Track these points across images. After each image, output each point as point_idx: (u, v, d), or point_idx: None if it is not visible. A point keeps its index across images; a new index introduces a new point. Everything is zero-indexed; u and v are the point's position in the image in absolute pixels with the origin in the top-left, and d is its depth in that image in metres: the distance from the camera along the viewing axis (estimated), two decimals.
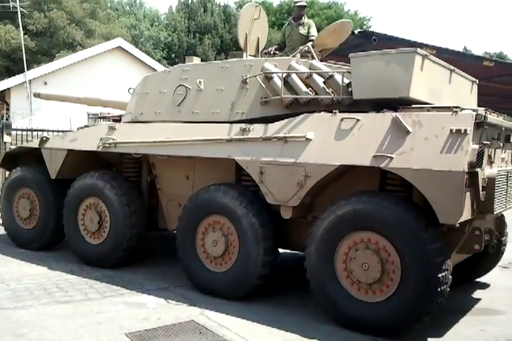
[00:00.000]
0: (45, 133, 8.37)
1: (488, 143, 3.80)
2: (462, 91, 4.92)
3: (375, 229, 3.88)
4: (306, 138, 4.22)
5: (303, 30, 5.85)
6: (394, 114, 3.88)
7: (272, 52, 5.92)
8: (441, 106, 3.95)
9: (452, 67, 4.63)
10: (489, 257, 5.19)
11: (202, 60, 5.67)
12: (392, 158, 3.78)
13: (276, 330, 4.02)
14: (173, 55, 38.42)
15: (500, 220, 4.76)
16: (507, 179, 4.13)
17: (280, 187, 4.33)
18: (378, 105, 4.23)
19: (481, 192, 3.75)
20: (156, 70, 21.83)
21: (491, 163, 3.96)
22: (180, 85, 5.37)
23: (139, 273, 5.50)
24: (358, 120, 4.05)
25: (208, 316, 4.27)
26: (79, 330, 3.88)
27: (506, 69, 13.67)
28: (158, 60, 29.12)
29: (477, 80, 5.22)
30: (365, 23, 40.61)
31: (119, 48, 21.16)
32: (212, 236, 4.77)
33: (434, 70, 4.30)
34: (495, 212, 3.86)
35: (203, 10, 37.73)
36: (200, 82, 5.19)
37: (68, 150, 5.89)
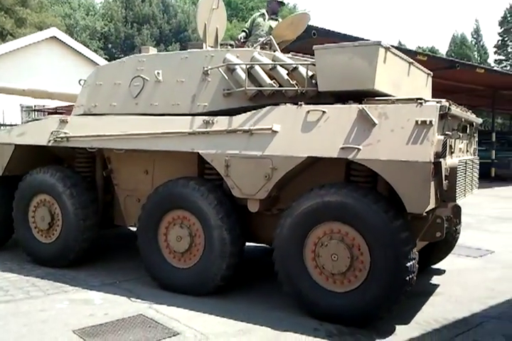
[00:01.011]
0: None
1: (450, 133, 3.93)
2: (419, 84, 5.07)
3: (345, 220, 3.93)
4: (273, 131, 4.20)
5: (273, 25, 5.83)
6: (360, 106, 3.93)
7: (241, 40, 5.85)
8: (404, 98, 4.03)
9: (411, 60, 4.75)
10: (444, 245, 5.41)
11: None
12: (359, 149, 3.83)
13: (227, 320, 4.04)
14: (109, 46, 37.26)
15: (457, 208, 4.96)
16: (465, 168, 4.29)
17: (247, 180, 4.29)
18: (342, 97, 4.27)
19: (444, 182, 3.88)
20: (92, 61, 21.16)
21: (451, 153, 4.11)
22: (136, 76, 5.18)
23: (82, 270, 5.36)
24: (324, 112, 4.07)
25: (156, 309, 4.24)
26: (22, 329, 3.78)
27: (439, 63, 14.23)
28: (95, 51, 28.16)
29: (431, 73, 5.39)
30: None
31: (54, 38, 20.30)
32: (177, 232, 4.67)
33: (395, 63, 4.39)
34: (457, 200, 4.01)
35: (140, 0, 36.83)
36: (158, 73, 5.03)
37: (16, 145, 5.56)
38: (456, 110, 4.06)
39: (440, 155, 3.67)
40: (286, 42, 5.70)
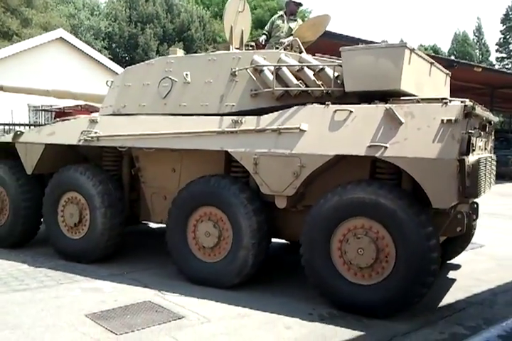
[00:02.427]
0: None
1: (473, 132, 4.10)
2: (439, 83, 5.24)
3: (371, 216, 4.10)
4: (301, 130, 4.37)
5: (293, 26, 6.00)
6: (387, 106, 4.10)
7: (263, 42, 6.03)
8: (429, 97, 4.21)
9: (431, 60, 4.92)
10: (462, 240, 5.58)
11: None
12: (386, 147, 4.00)
13: (228, 306, 4.32)
14: (114, 45, 37.40)
15: (475, 204, 5.13)
16: (485, 165, 4.47)
17: (275, 177, 4.46)
18: (367, 97, 4.45)
19: (466, 178, 4.05)
20: (98, 61, 21.37)
21: (473, 150, 4.28)
22: (165, 77, 5.36)
23: (92, 262, 5.56)
24: (351, 111, 4.24)
25: (163, 297, 4.52)
26: (40, 314, 4.06)
27: (437, 62, 14.34)
28: (99, 51, 28.31)
29: (450, 73, 5.56)
30: (306, 15, 41.22)
31: (61, 39, 20.48)
32: (205, 228, 4.85)
33: (418, 63, 4.57)
34: (478, 197, 4.19)
35: None
36: (186, 74, 5.20)
37: (46, 144, 5.74)
38: (479, 109, 4.23)
39: (464, 152, 3.84)
40: (307, 44, 5.87)
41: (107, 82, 5.99)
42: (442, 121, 3.87)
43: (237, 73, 4.99)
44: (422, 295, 4.06)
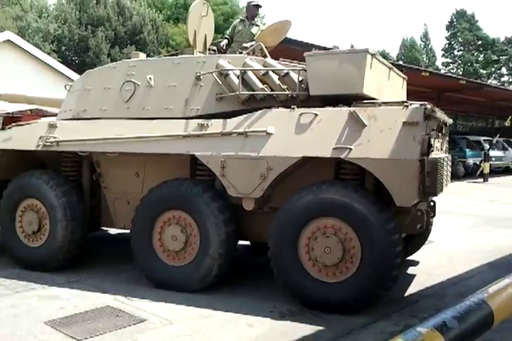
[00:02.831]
0: None
1: (432, 133, 4.29)
2: (397, 87, 5.44)
3: (337, 215, 4.21)
4: (267, 133, 4.43)
5: (254, 31, 6.05)
6: (351, 109, 4.23)
7: (224, 47, 6.05)
8: (390, 101, 4.37)
9: (390, 65, 5.11)
10: (420, 237, 5.80)
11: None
12: (351, 149, 4.13)
13: (190, 307, 4.35)
14: (63, 48, 36.41)
15: (433, 202, 5.35)
16: (442, 165, 4.67)
17: (243, 180, 4.50)
18: (331, 101, 4.56)
19: (426, 178, 4.23)
20: (47, 64, 20.76)
21: (431, 151, 4.47)
22: (127, 81, 5.30)
23: (49, 271, 5.43)
24: (316, 115, 4.35)
25: (122, 301, 4.51)
26: None
27: None
28: (48, 53, 27.50)
29: (406, 77, 5.78)
30: (260, 21, 41.53)
31: (8, 42, 19.78)
32: (172, 231, 4.82)
33: (379, 68, 4.73)
34: (437, 195, 4.38)
35: (95, 1, 36.20)
36: (150, 78, 5.17)
37: (1, 150, 5.55)
38: (436, 112, 4.43)
39: (425, 153, 4.01)
40: (269, 48, 5.93)
41: (66, 85, 5.86)
42: (404, 123, 4.03)
43: (202, 77, 5.00)
44: (388, 289, 4.20)
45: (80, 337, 3.68)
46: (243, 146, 4.51)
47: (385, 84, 5.00)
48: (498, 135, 22.23)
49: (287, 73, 4.76)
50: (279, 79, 4.82)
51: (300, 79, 4.71)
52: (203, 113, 4.98)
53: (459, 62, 53.33)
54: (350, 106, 4.37)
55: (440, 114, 4.65)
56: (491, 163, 20.21)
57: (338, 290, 4.21)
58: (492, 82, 48.80)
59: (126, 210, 5.51)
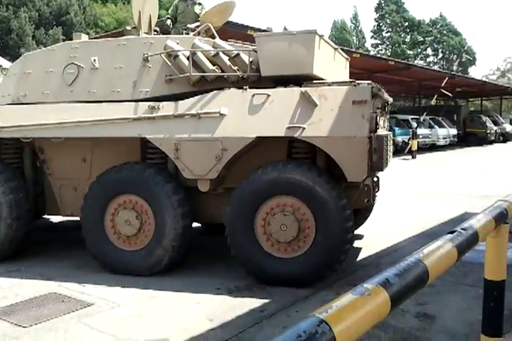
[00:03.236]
0: None
1: (378, 111, 4.48)
2: (341, 67, 5.60)
3: (292, 194, 4.33)
4: (220, 114, 4.46)
5: (198, 10, 5.95)
6: (302, 89, 4.33)
7: (171, 27, 5.93)
8: (339, 81, 4.51)
9: (336, 46, 5.24)
10: (366, 210, 6.07)
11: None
12: (304, 128, 4.24)
13: (136, 290, 4.37)
14: None
15: (377, 178, 5.61)
16: (387, 142, 4.91)
17: (197, 161, 4.52)
18: (282, 81, 4.64)
19: (373, 154, 4.43)
20: None
21: (377, 128, 4.67)
22: (70, 64, 5.10)
23: None
24: (268, 95, 4.41)
25: (67, 287, 4.47)
26: None
27: None
28: None
29: (349, 57, 5.95)
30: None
31: None
32: (125, 216, 4.77)
33: (326, 49, 4.85)
34: (383, 170, 4.60)
35: None
36: (94, 60, 5.01)
37: None
38: (381, 91, 4.62)
39: (373, 130, 4.20)
40: (209, 31, 5.90)
41: (2, 70, 5.55)
42: (353, 102, 4.18)
43: (149, 58, 4.91)
44: (341, 262, 4.40)
45: (27, 324, 3.63)
46: (197, 128, 4.51)
47: (332, 65, 5.14)
48: (425, 113, 23.32)
49: (238, 54, 4.77)
50: (229, 60, 4.82)
51: (250, 60, 4.74)
52: (152, 95, 4.90)
53: (387, 43, 55.13)
54: (300, 87, 4.47)
55: (383, 93, 4.86)
56: (418, 140, 21.21)
57: (292, 266, 4.35)
58: (418, 62, 50.88)
59: (73, 197, 5.37)
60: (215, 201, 4.95)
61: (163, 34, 5.70)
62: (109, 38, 5.24)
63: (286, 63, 4.53)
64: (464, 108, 34.09)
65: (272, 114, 4.36)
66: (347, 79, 5.72)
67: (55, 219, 7.31)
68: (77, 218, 6.09)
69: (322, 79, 4.72)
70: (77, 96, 5.07)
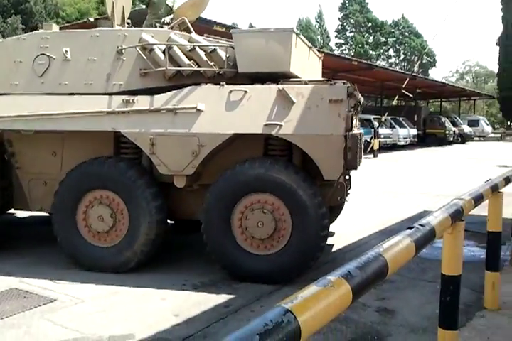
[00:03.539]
0: None
1: (352, 110, 4.56)
2: (315, 66, 5.65)
3: (270, 191, 4.35)
4: (197, 109, 4.43)
5: (170, 3, 5.85)
6: (280, 87, 4.35)
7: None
8: (316, 79, 4.56)
9: (310, 45, 5.29)
10: (336, 208, 6.16)
11: None
12: (281, 125, 4.27)
13: (100, 286, 4.34)
14: None
15: (348, 176, 5.70)
16: (360, 141, 4.99)
17: (174, 157, 4.48)
18: (258, 78, 4.65)
19: (348, 152, 4.50)
20: None
21: (352, 127, 4.75)
22: (40, 54, 4.95)
23: None
24: (245, 92, 4.42)
25: (28, 283, 4.38)
26: None
27: None
28: None
29: (322, 56, 6.02)
30: None
31: None
32: (98, 212, 4.69)
33: (301, 47, 4.89)
34: (357, 168, 4.69)
35: None
36: (66, 51, 4.88)
37: None
38: (356, 90, 4.70)
39: (349, 129, 4.27)
40: (183, 24, 5.83)
41: None
42: (330, 100, 4.23)
43: (124, 51, 4.82)
44: (316, 259, 4.45)
45: None
46: (173, 123, 4.47)
47: (306, 63, 5.19)
48: (387, 113, 23.82)
49: (214, 49, 4.75)
50: (205, 55, 4.79)
51: (227, 56, 4.73)
52: (126, 89, 4.82)
53: (351, 43, 55.92)
54: (277, 84, 4.49)
55: (358, 93, 4.94)
56: (380, 140, 21.67)
57: (265, 263, 4.37)
58: (381, 63, 51.90)
59: (42, 192, 5.24)
60: (189, 197, 4.92)
61: (135, 27, 5.61)
62: (81, 29, 5.12)
63: (263, 60, 4.54)
64: (424, 109, 35.04)
65: (249, 111, 4.37)
66: (320, 77, 5.80)
67: (20, 214, 7.10)
68: (44, 213, 5.98)
69: (298, 77, 4.76)
70: (48, 88, 4.93)
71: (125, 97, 4.60)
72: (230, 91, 4.44)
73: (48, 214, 6.64)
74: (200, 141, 4.39)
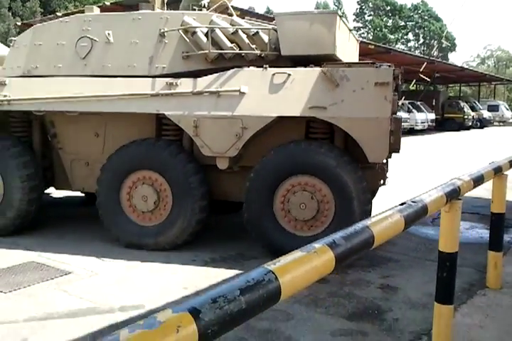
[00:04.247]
0: None
1: (397, 93, 4.55)
2: (353, 49, 5.62)
3: (314, 174, 4.38)
4: (240, 92, 4.46)
5: None
6: (324, 69, 4.36)
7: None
8: (358, 62, 4.54)
9: (350, 27, 5.26)
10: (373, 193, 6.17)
11: None
12: (325, 108, 4.28)
13: (115, 260, 4.49)
14: None
15: (386, 160, 5.71)
16: (401, 124, 5.00)
17: (217, 139, 4.53)
18: (301, 61, 4.65)
19: (391, 135, 4.51)
20: None
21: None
22: (83, 37, 5.00)
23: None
24: (289, 74, 4.43)
25: (46, 257, 4.56)
26: None
27: None
28: None
29: (360, 39, 5.99)
30: None
31: None
32: (142, 192, 4.78)
33: (344, 30, 4.87)
34: (399, 152, 4.70)
35: None
36: (109, 33, 4.92)
37: None
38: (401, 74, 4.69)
39: (395, 112, 4.28)
40: (221, 7, 5.83)
41: (10, 40, 5.42)
42: (376, 83, 4.23)
43: (166, 34, 4.85)
44: None
45: (6, 289, 3.73)
46: (216, 105, 4.51)
47: (347, 46, 5.17)
48: (403, 98, 23.55)
49: (257, 32, 4.75)
50: (247, 38, 4.80)
51: (269, 38, 4.73)
52: (168, 71, 4.86)
53: (370, 26, 55.10)
54: (320, 67, 4.49)
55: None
56: None
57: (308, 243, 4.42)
58: (400, 47, 51.17)
59: (84, 172, 5.34)
60: (228, 179, 4.98)
61: (170, 10, 5.61)
62: (124, 12, 5.14)
63: (307, 43, 4.53)
64: (442, 93, 34.56)
65: (292, 94, 4.38)
66: (357, 60, 5.78)
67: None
68: (74, 194, 6.11)
69: (339, 60, 4.75)
70: (90, 71, 5.00)
71: (169, 80, 4.63)
72: (274, 74, 4.45)
73: (82, 196, 6.80)
74: (243, 123, 4.43)
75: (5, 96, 4.92)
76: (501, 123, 38.81)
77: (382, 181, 4.95)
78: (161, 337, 0.92)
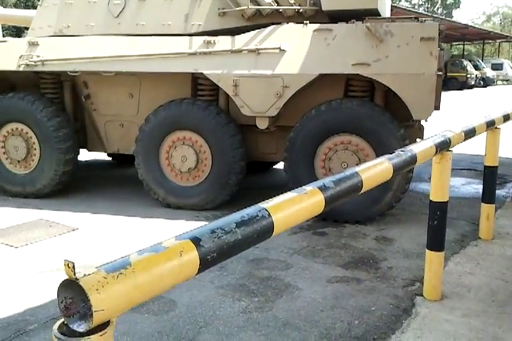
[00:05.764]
0: None
1: (441, 49, 4.49)
2: (388, 4, 5.50)
3: (355, 132, 4.37)
4: (281, 50, 4.39)
5: None
6: (367, 24, 4.27)
7: None
8: (402, 17, 4.45)
9: None
10: None
11: None
12: (369, 65, 4.23)
13: (121, 217, 4.66)
14: None
15: None
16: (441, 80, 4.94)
17: (257, 98, 4.49)
18: (340, 16, 4.55)
19: None
20: None
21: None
22: None
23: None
24: (331, 30, 4.35)
25: (54, 215, 4.72)
26: None
27: None
28: None
29: None
30: None
31: None
32: (182, 152, 4.79)
33: None
34: (440, 109, 4.68)
35: None
36: None
37: None
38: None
39: (441, 68, 4.23)
40: None
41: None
42: (421, 38, 4.16)
43: None
44: (400, 200, 4.55)
45: (17, 244, 3.89)
46: (256, 64, 4.45)
47: (386, 1, 5.06)
48: None
49: None
50: None
51: None
52: (204, 29, 4.77)
53: None
54: (362, 22, 4.40)
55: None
56: None
57: (350, 203, 4.45)
58: (403, 4, 49.90)
59: (119, 133, 5.34)
60: (265, 139, 4.98)
61: None
62: None
63: None
64: (445, 51, 33.88)
65: (334, 50, 4.31)
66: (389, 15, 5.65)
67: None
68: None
69: (380, 15, 4.65)
70: (124, 29, 4.90)
71: (206, 38, 4.55)
72: (314, 30, 4.37)
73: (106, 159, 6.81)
74: (284, 81, 4.38)
75: (38, 56, 4.84)
76: (505, 82, 38.43)
77: (419, 140, 4.95)
78: (166, 260, 1.01)
